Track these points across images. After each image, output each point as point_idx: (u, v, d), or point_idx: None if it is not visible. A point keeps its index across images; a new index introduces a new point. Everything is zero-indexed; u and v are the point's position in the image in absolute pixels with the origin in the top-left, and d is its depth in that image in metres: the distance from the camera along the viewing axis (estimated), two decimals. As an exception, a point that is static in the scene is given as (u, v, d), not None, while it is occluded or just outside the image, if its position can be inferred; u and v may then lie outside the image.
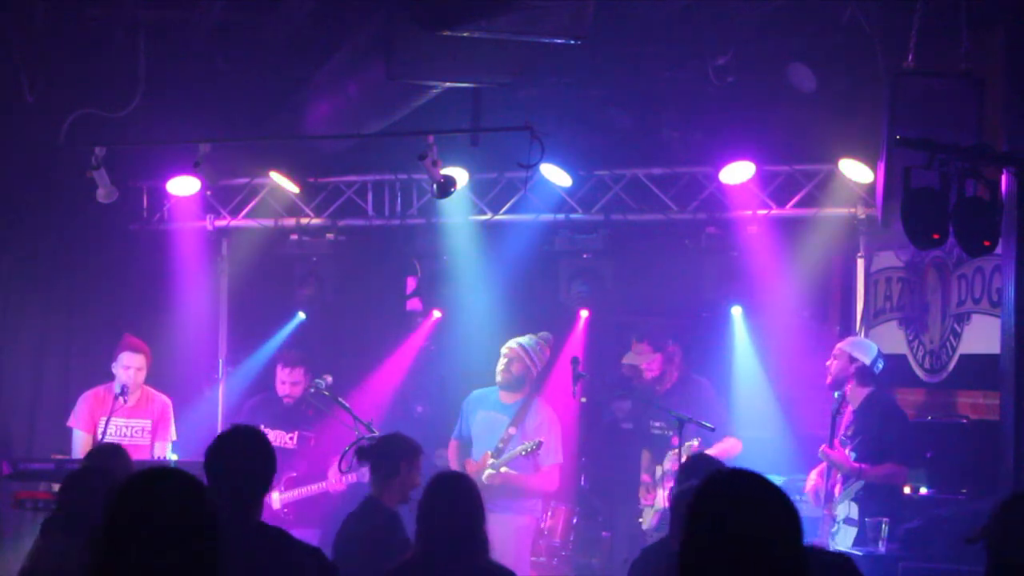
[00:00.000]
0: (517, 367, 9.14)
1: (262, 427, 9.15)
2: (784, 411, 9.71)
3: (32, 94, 9.23)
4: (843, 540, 8.08)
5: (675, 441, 8.63)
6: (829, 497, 8.31)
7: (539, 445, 8.87)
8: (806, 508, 8.95)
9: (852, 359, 8.37)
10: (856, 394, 8.36)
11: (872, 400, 8.35)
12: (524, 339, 9.20)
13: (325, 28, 8.76)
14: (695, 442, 8.78)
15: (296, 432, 9.37)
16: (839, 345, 8.53)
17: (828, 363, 8.48)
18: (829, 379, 8.42)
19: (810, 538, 8.59)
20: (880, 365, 8.43)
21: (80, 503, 5.45)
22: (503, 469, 8.92)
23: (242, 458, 4.60)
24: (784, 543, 2.65)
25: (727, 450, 8.91)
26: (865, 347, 8.54)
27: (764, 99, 9.60)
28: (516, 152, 8.23)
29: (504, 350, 9.19)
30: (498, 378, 9.16)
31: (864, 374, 8.34)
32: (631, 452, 9.64)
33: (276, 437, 9.28)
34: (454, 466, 9.27)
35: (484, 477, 8.83)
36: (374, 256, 10.99)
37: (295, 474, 9.21)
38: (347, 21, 8.38)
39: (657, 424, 9.22)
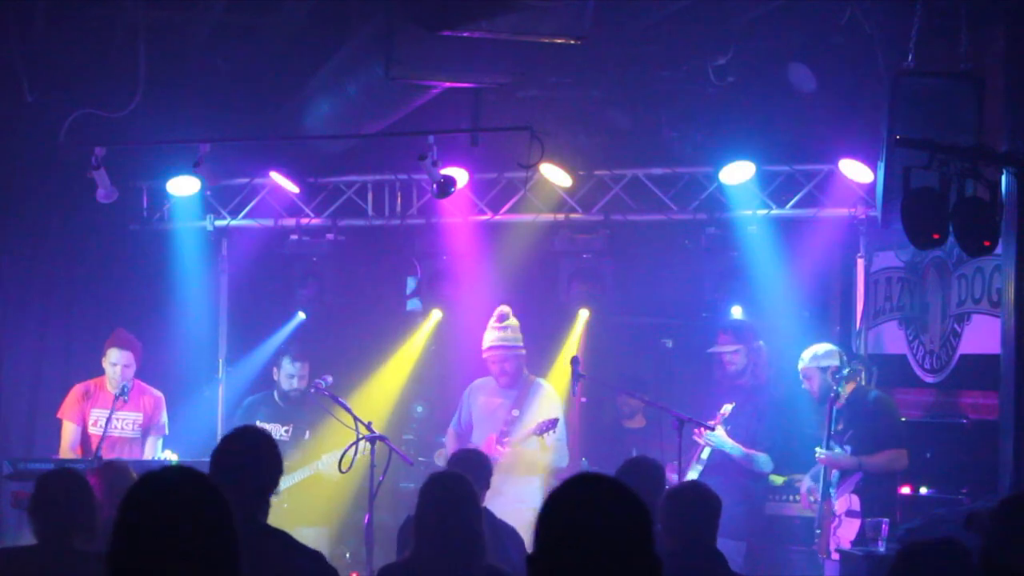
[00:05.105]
0: (511, 364, 9.18)
1: (258, 422, 9.23)
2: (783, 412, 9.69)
3: (32, 94, 9.22)
4: (845, 533, 8.12)
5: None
6: (826, 493, 8.43)
7: (555, 422, 8.89)
8: (797, 508, 9.06)
9: (823, 368, 8.57)
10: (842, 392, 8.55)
11: (857, 395, 8.56)
12: (495, 336, 9.20)
13: (325, 28, 8.76)
14: (727, 408, 8.81)
15: (291, 425, 9.34)
16: (804, 367, 8.65)
17: (804, 386, 8.69)
18: (817, 396, 8.63)
19: (809, 534, 8.69)
20: (844, 357, 8.63)
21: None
22: (517, 447, 8.95)
23: (249, 458, 4.57)
24: (635, 545, 2.66)
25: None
26: (826, 353, 8.68)
27: (764, 99, 9.61)
28: (516, 152, 8.23)
29: (488, 355, 9.21)
30: (500, 382, 9.22)
31: (843, 374, 8.54)
32: (639, 452, 9.59)
33: (271, 430, 9.28)
34: (452, 452, 9.30)
35: (507, 449, 8.90)
36: (374, 256, 10.98)
37: (286, 463, 9.17)
38: (347, 21, 8.38)
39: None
